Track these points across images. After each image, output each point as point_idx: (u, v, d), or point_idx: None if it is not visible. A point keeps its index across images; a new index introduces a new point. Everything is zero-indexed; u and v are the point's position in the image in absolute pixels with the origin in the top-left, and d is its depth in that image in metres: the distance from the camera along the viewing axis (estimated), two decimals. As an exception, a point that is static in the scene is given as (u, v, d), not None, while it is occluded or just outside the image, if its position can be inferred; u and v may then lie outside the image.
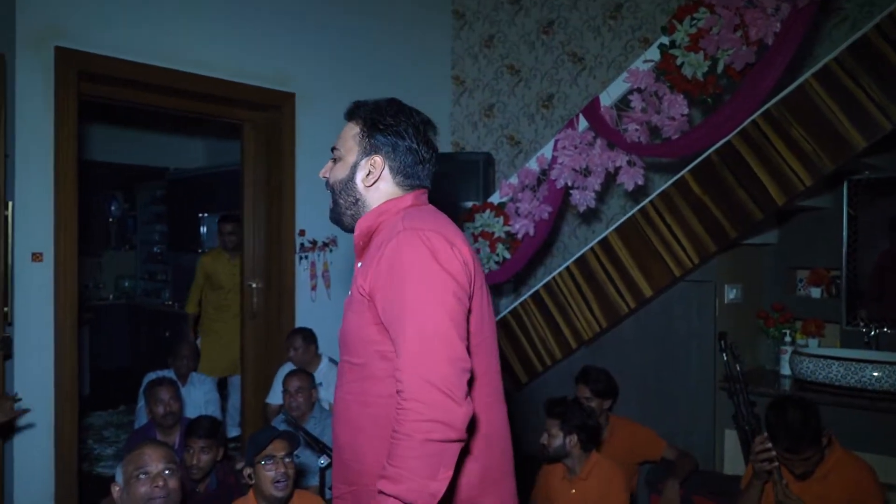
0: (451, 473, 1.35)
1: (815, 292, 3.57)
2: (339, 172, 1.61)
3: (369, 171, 1.58)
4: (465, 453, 1.46)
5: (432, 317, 1.36)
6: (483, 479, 1.51)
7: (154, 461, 2.08)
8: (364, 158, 1.59)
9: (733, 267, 3.38)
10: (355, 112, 1.63)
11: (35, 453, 3.35)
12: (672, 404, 3.38)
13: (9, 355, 3.24)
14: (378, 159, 1.58)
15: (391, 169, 1.59)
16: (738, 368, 3.10)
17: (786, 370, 3.36)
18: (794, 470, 2.34)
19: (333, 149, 1.64)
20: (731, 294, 3.34)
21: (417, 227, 1.45)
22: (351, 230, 1.62)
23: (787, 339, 3.44)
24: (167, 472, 2.09)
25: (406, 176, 1.61)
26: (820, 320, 3.50)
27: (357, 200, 1.60)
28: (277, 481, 2.33)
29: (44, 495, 3.37)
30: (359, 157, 1.59)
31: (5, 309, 3.17)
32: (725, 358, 3.14)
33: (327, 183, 1.66)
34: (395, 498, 1.31)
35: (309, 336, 3.95)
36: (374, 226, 1.57)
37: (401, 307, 1.38)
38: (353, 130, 1.61)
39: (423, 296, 1.38)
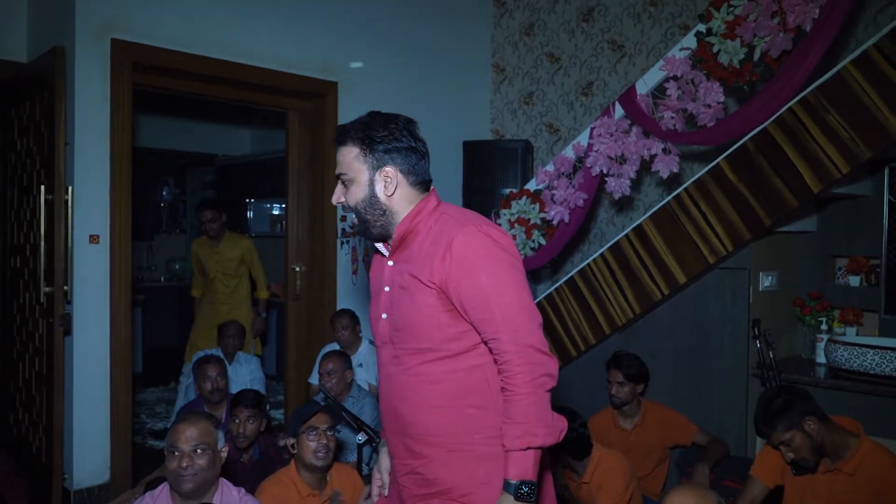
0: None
1: (854, 280, 3.54)
2: (358, 193, 1.71)
3: (386, 183, 1.69)
4: None
5: (514, 294, 1.58)
6: None
7: (183, 441, 2.16)
8: (375, 173, 1.69)
9: (769, 254, 3.37)
10: (346, 136, 1.72)
11: (93, 425, 3.56)
12: (705, 390, 3.40)
13: (68, 331, 3.44)
14: (389, 169, 1.69)
15: (402, 172, 1.70)
16: (772, 355, 3.12)
17: (821, 358, 3.35)
18: (785, 458, 2.35)
19: (340, 175, 1.73)
20: (766, 281, 3.34)
21: (471, 223, 1.63)
22: (380, 239, 1.75)
23: (824, 327, 3.43)
24: (198, 450, 2.16)
25: (416, 174, 1.72)
26: (858, 309, 3.47)
27: (385, 211, 1.71)
28: (318, 451, 2.46)
29: (100, 465, 3.58)
30: (370, 173, 1.69)
31: (65, 287, 3.36)
32: (759, 345, 3.15)
33: (345, 206, 1.76)
34: (539, 448, 1.54)
35: (354, 317, 4.09)
36: (410, 227, 1.69)
37: (484, 293, 1.57)
38: (352, 153, 1.70)
39: (500, 279, 1.58)
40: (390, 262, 1.73)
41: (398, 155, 1.70)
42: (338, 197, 1.76)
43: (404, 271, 1.67)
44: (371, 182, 1.70)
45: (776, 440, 2.34)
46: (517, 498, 1.51)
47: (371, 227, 1.73)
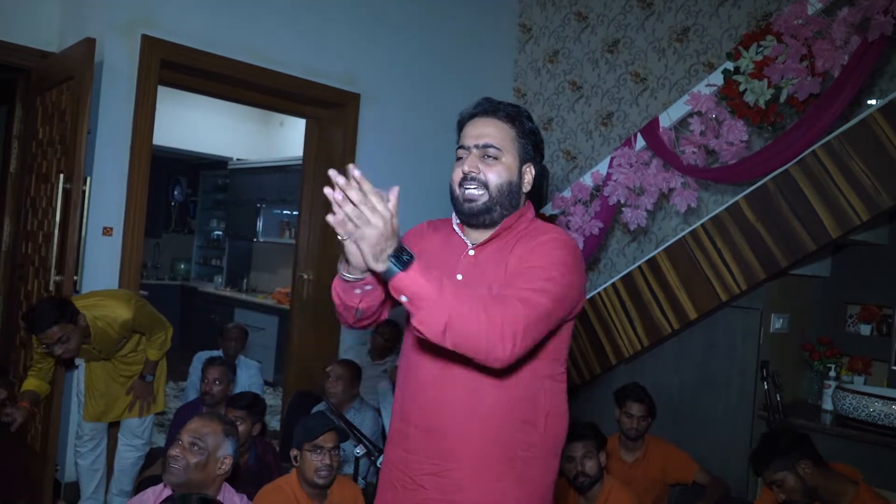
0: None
1: (865, 329, 3.52)
2: (504, 174, 1.54)
3: (529, 178, 1.59)
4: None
5: (558, 281, 1.45)
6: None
7: (185, 431, 2.21)
8: (525, 165, 1.58)
9: (782, 296, 3.36)
10: (500, 110, 1.56)
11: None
12: (709, 429, 3.37)
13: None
14: (531, 168, 1.59)
15: (535, 174, 1.61)
16: (779, 398, 3.09)
17: (828, 405, 3.32)
18: (777, 499, 2.38)
19: (488, 146, 1.53)
20: (777, 323, 3.32)
21: (562, 232, 1.57)
22: (481, 225, 1.57)
23: (832, 374, 3.40)
24: (196, 446, 2.19)
25: (532, 184, 1.62)
26: (868, 358, 3.45)
27: (515, 205, 1.57)
28: (321, 470, 2.42)
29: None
30: (518, 161, 1.56)
31: (75, 277, 3.35)
32: (766, 387, 3.13)
33: (473, 178, 1.53)
34: (417, 312, 1.28)
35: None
36: (513, 224, 1.57)
37: (543, 259, 1.47)
38: (508, 132, 1.55)
39: (564, 264, 1.48)
40: (471, 252, 1.58)
41: (537, 156, 1.61)
42: (474, 165, 1.52)
43: (488, 267, 1.53)
44: (520, 171, 1.56)
45: (768, 479, 2.39)
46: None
47: (491, 212, 1.53)
